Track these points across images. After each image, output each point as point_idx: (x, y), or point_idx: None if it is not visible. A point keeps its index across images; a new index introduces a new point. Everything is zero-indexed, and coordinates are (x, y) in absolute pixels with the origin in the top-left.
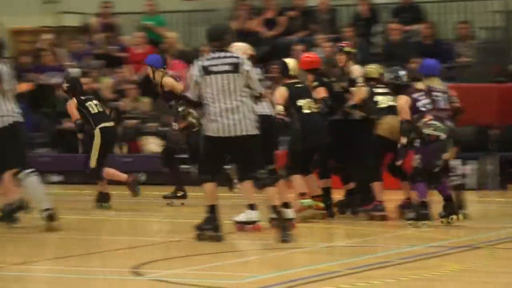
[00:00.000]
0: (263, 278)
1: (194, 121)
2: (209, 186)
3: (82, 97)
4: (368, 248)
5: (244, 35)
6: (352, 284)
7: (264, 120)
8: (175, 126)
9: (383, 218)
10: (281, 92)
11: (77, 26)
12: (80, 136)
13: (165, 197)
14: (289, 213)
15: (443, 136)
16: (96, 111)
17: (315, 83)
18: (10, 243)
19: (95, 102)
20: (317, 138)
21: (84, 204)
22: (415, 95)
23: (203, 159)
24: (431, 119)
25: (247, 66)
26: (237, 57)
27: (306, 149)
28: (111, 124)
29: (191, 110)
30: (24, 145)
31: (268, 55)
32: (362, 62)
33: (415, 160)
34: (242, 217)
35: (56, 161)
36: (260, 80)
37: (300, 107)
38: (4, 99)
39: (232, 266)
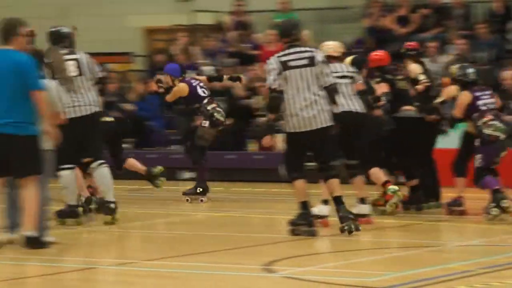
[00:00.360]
0: (395, 276)
1: (222, 118)
2: (299, 183)
3: None
4: (499, 247)
5: (376, 33)
6: (486, 284)
7: (352, 117)
8: (205, 123)
9: (462, 213)
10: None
11: (211, 24)
12: None
13: (184, 193)
14: (366, 208)
15: (502, 136)
16: None
17: (378, 79)
18: (139, 240)
19: None
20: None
21: (212, 201)
22: (477, 93)
23: (288, 158)
24: (491, 119)
25: (320, 57)
26: (311, 50)
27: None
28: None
29: (218, 108)
30: (101, 135)
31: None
32: (497, 59)
33: (476, 160)
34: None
35: (188, 158)
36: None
37: None
38: (85, 88)
39: (362, 264)
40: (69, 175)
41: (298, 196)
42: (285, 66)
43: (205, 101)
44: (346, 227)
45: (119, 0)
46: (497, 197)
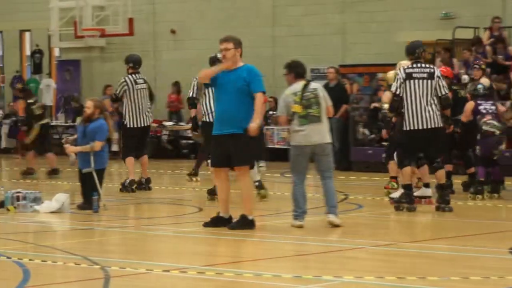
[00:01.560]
0: None
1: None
2: (407, 169)
3: None
4: None
5: None
6: None
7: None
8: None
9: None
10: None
11: (469, 38)
12: None
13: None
14: (428, 191)
15: (497, 132)
16: None
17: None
18: (399, 224)
19: None
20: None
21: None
22: (479, 101)
23: (403, 151)
24: (490, 119)
25: (438, 73)
26: (431, 68)
27: None
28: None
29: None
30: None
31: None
32: None
33: (477, 149)
34: (397, 194)
35: None
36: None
37: None
38: (210, 99)
39: None
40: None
41: (404, 179)
42: (409, 76)
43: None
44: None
45: (393, 19)
46: (473, 183)
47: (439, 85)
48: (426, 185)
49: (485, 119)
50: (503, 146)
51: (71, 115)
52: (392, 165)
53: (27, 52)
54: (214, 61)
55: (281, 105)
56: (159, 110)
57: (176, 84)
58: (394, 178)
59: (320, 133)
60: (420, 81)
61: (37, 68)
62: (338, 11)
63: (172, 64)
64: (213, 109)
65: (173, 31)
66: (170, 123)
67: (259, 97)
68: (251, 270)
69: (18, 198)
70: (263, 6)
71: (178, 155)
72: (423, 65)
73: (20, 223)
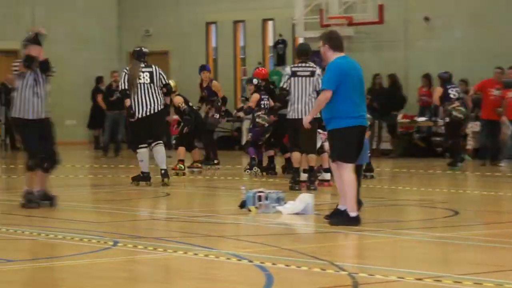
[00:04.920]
0: None
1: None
2: (295, 154)
3: None
4: None
5: None
6: None
7: None
8: (217, 115)
9: None
10: None
11: None
12: None
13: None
14: (328, 175)
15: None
16: None
17: None
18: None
19: None
20: None
21: None
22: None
23: (289, 138)
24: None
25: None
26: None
27: None
28: None
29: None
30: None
31: None
32: None
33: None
34: None
35: None
36: None
37: None
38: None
39: None
40: (144, 152)
41: (294, 163)
42: None
43: None
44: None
45: None
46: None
47: (318, 82)
48: (326, 170)
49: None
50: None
51: None
52: (180, 150)
53: (270, 42)
54: (140, 55)
55: None
56: (410, 104)
57: (427, 76)
58: (182, 160)
59: None
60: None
61: (280, 60)
62: None
63: (424, 54)
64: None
65: (426, 19)
66: (422, 118)
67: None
68: None
69: (260, 198)
70: None
71: (430, 154)
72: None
73: (262, 225)
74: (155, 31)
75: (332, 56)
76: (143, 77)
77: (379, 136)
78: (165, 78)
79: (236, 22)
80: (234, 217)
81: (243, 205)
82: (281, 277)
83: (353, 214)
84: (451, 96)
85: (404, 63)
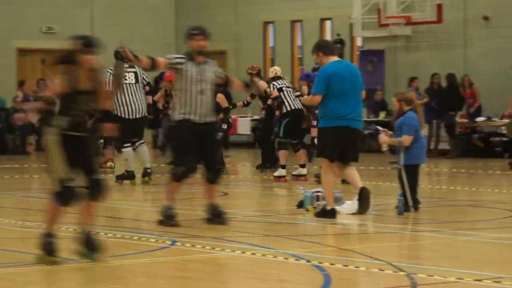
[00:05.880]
0: None
1: None
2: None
3: None
4: None
5: None
6: None
7: None
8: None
9: None
10: None
11: None
12: None
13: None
14: (305, 170)
15: None
16: None
17: None
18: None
19: None
20: None
21: None
22: None
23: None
24: None
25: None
26: None
27: None
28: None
29: None
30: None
31: None
32: None
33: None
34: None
35: None
36: None
37: None
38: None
39: None
40: (129, 151)
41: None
42: None
43: None
44: None
45: None
46: None
47: None
48: (302, 166)
49: None
50: None
51: (372, 109)
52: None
53: None
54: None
55: None
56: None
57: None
58: (111, 159)
59: None
60: None
61: None
62: None
63: (484, 54)
64: None
65: (485, 18)
66: (482, 118)
67: None
68: None
69: (317, 198)
70: None
71: (490, 154)
72: None
73: (319, 225)
74: (212, 31)
75: (327, 61)
76: (129, 78)
77: (437, 136)
78: (147, 77)
79: (293, 22)
80: (291, 217)
81: (300, 205)
82: (339, 277)
83: (328, 207)
84: None
85: (462, 64)
